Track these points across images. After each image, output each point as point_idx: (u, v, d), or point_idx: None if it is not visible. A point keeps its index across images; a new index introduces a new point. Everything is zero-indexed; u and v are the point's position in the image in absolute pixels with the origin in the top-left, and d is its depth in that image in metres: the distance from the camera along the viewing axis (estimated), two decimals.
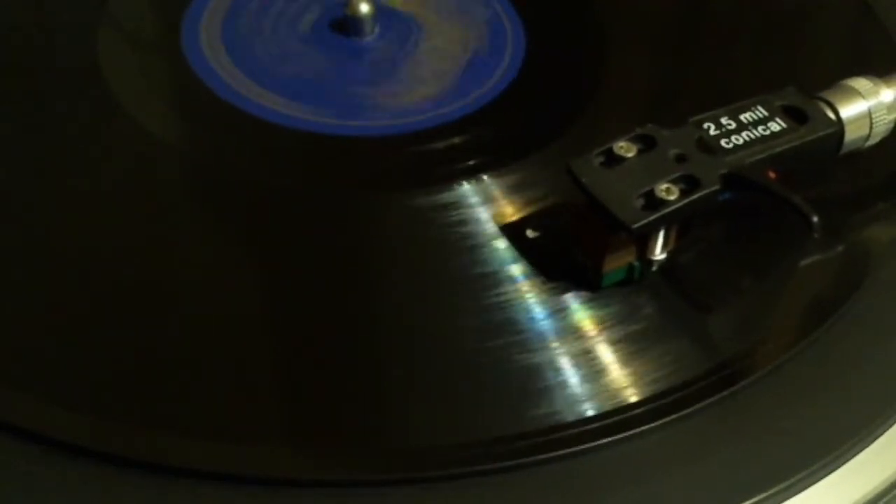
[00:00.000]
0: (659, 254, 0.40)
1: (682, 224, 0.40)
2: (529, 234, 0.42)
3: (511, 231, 0.42)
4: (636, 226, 0.38)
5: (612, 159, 0.40)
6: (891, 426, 0.38)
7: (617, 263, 0.40)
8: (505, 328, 0.39)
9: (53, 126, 0.46)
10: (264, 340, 0.40)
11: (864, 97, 0.42)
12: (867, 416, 0.37)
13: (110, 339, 0.39)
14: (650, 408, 0.37)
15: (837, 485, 0.36)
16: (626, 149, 0.40)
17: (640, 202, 0.38)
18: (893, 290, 0.41)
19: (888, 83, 0.43)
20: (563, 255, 0.41)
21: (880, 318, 0.41)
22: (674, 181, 0.39)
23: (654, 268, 0.40)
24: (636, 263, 0.40)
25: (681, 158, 0.40)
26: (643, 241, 0.40)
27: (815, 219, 0.38)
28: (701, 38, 0.55)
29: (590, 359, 0.39)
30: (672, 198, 0.38)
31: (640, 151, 0.40)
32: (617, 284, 0.40)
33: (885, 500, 0.36)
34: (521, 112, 0.49)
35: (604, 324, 0.40)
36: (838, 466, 0.36)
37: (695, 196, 0.39)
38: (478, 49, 0.52)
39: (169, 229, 0.43)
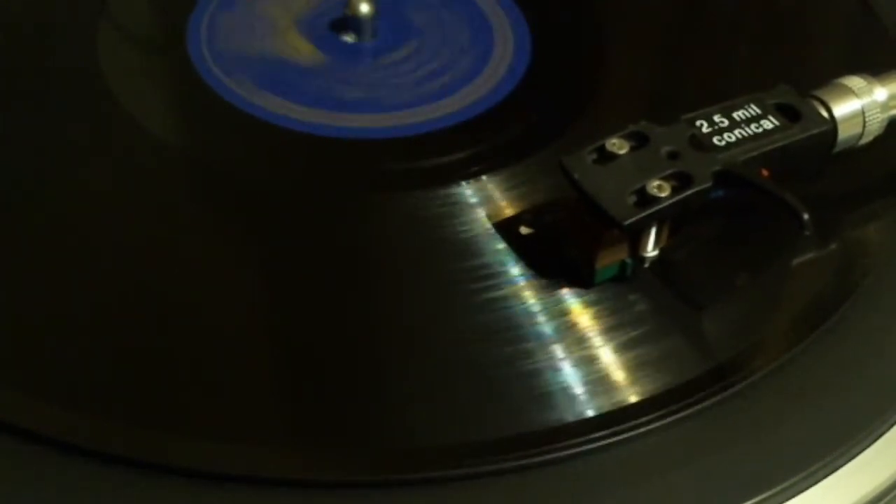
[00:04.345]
0: (651, 251, 0.39)
1: (674, 221, 0.39)
2: (523, 230, 0.41)
3: (505, 228, 0.41)
4: (628, 222, 0.37)
5: (605, 156, 0.38)
6: (890, 426, 0.36)
7: (609, 260, 0.39)
8: (503, 328, 0.38)
9: (53, 126, 0.45)
10: (264, 340, 0.38)
11: (857, 96, 0.41)
12: (867, 417, 0.36)
13: (110, 339, 0.37)
14: (649, 408, 0.35)
15: (837, 485, 0.35)
16: (618, 146, 0.38)
17: (633, 199, 0.37)
18: (893, 289, 0.40)
19: (882, 81, 0.41)
20: (556, 251, 0.40)
21: (880, 317, 0.39)
22: (666, 178, 0.38)
23: (647, 264, 0.39)
24: (628, 260, 0.39)
25: (673, 155, 0.38)
26: (635, 238, 0.39)
27: (806, 216, 0.37)
28: (700, 39, 0.53)
29: (588, 359, 0.37)
30: (664, 195, 0.37)
31: (632, 148, 0.38)
32: (612, 282, 0.39)
33: (885, 500, 0.35)
34: (521, 113, 0.47)
35: (602, 324, 0.38)
36: (838, 467, 0.35)
37: (687, 193, 0.37)
38: (478, 50, 0.51)
39: (169, 229, 0.41)
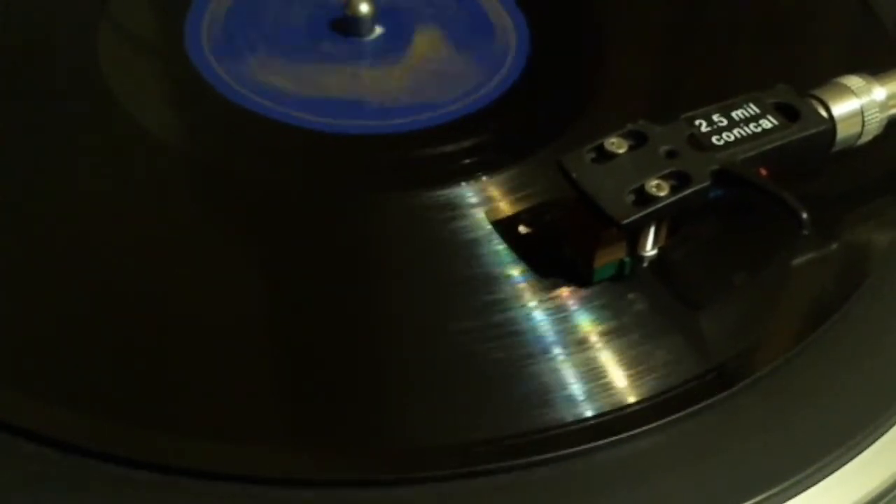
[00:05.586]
0: (650, 250, 0.39)
1: (673, 221, 0.39)
2: (522, 230, 0.41)
3: (504, 228, 0.41)
4: (626, 221, 0.37)
5: (604, 155, 0.38)
6: (890, 426, 0.36)
7: (608, 259, 0.39)
8: (502, 327, 0.38)
9: (53, 126, 0.45)
10: (264, 340, 0.38)
11: (856, 95, 0.40)
12: (866, 417, 0.36)
13: (111, 339, 0.37)
14: (649, 408, 0.35)
15: (837, 485, 0.35)
16: (617, 145, 0.38)
17: (631, 198, 0.37)
18: (893, 289, 0.40)
19: (881, 81, 0.41)
20: (555, 251, 0.39)
21: (880, 317, 0.39)
22: (664, 177, 0.37)
23: (645, 264, 0.39)
24: (627, 259, 0.39)
25: (672, 155, 0.38)
26: (634, 237, 0.38)
27: (805, 215, 0.37)
28: (700, 39, 0.53)
29: (587, 359, 0.37)
30: (662, 194, 0.37)
31: (631, 147, 0.38)
32: (611, 282, 0.39)
33: (885, 500, 0.35)
34: (521, 112, 0.47)
35: (600, 323, 0.38)
36: (838, 467, 0.35)
37: (685, 192, 0.37)
38: (479, 49, 0.50)
39: (169, 229, 0.41)
